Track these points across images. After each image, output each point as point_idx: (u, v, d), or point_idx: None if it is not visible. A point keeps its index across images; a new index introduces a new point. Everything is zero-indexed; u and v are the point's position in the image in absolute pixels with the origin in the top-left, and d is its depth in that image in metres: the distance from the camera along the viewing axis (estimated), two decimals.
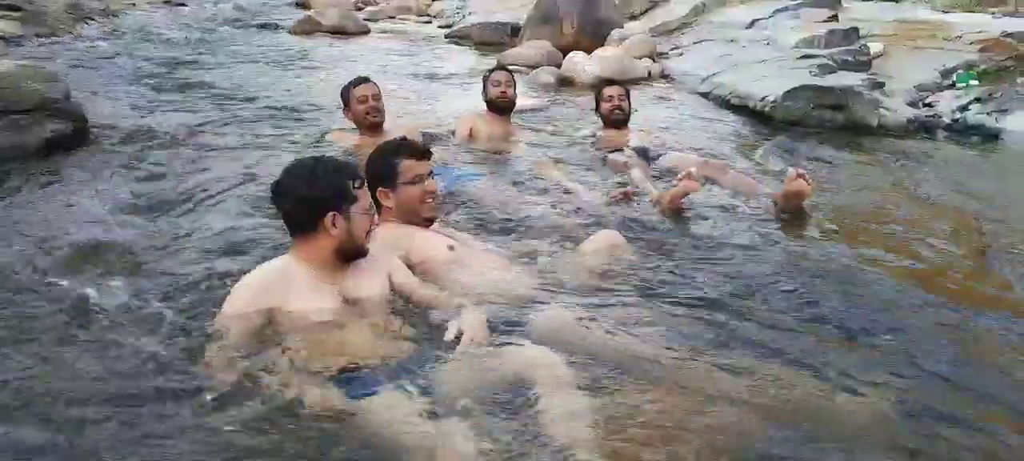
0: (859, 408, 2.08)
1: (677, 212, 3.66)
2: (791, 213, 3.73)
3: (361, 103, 4.40)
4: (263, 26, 11.78)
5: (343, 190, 2.35)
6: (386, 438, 1.89)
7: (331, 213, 2.33)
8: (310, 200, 2.33)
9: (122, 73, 7.00)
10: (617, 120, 4.94)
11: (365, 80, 4.51)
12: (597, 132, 5.07)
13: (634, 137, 4.90)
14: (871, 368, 2.28)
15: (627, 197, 3.80)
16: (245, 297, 2.28)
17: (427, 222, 2.86)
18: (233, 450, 1.85)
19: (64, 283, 2.67)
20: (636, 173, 4.23)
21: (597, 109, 5.06)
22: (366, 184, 2.45)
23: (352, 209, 2.35)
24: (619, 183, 4.10)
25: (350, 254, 2.41)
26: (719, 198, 3.92)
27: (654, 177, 4.24)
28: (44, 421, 1.92)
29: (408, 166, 2.78)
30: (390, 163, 2.79)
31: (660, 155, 4.61)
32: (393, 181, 2.78)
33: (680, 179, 3.68)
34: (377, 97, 4.44)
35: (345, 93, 4.49)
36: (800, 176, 3.71)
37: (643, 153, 4.60)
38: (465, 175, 4.03)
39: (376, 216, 2.58)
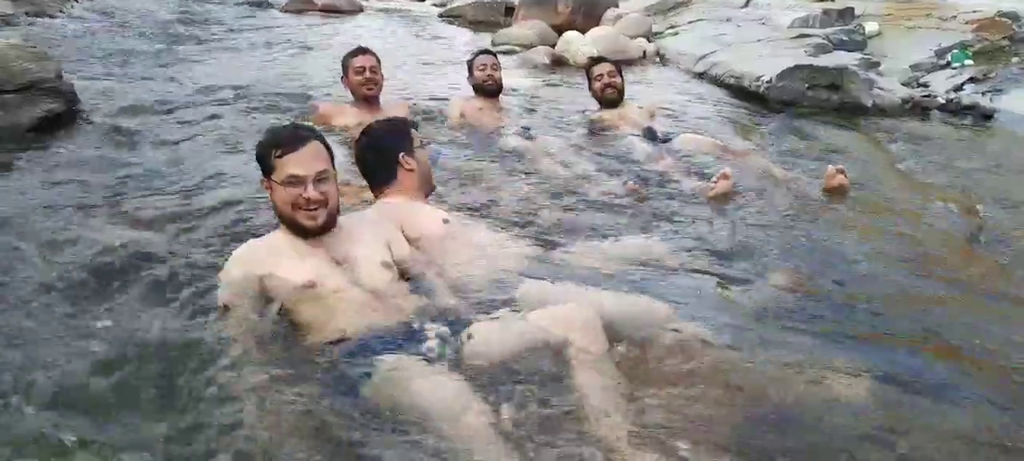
0: (848, 392, 2.06)
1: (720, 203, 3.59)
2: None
3: (358, 74, 4.42)
4: (255, 4, 11.66)
5: (263, 158, 2.31)
6: (396, 405, 1.87)
7: (263, 181, 2.35)
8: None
9: (113, 52, 6.93)
10: (611, 99, 4.86)
11: (364, 51, 4.52)
12: (591, 115, 4.96)
13: (635, 117, 4.80)
14: (862, 352, 2.28)
15: (640, 195, 3.62)
16: (236, 269, 2.30)
17: (430, 190, 3.02)
18: (234, 422, 1.85)
19: (56, 262, 2.65)
20: (661, 166, 4.05)
21: (590, 88, 5.00)
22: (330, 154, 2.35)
23: (272, 179, 2.29)
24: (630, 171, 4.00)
25: (295, 230, 2.31)
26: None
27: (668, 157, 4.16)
28: (39, 398, 1.91)
29: (415, 134, 2.99)
30: (407, 131, 2.97)
31: (670, 136, 4.50)
32: (411, 147, 2.92)
33: (716, 180, 3.63)
34: (375, 69, 4.45)
35: (344, 62, 4.51)
36: (839, 171, 3.80)
37: (651, 135, 4.48)
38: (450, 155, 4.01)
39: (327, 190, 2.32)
